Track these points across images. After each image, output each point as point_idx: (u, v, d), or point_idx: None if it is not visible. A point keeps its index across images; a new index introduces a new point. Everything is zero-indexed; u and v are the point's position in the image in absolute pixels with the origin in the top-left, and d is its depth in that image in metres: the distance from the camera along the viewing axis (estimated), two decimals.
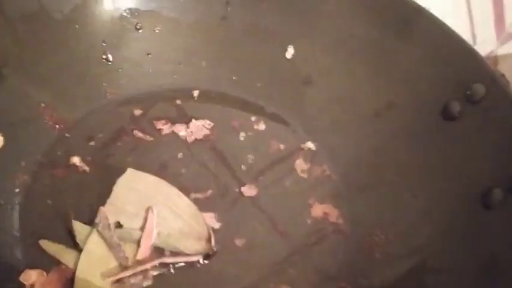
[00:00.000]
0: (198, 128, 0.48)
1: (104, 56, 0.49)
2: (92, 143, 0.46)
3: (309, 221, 0.44)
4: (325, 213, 0.44)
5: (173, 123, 0.48)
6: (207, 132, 0.48)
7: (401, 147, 0.43)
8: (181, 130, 0.48)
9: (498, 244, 0.35)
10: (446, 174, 0.40)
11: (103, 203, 0.40)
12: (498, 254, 0.35)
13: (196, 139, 0.47)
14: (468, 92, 0.40)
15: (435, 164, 0.41)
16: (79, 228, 0.39)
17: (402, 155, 0.43)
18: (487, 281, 0.34)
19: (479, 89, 0.40)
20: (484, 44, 0.54)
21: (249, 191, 0.44)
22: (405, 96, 0.43)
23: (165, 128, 0.48)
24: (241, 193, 0.44)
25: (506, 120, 0.38)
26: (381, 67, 0.44)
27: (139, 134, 0.47)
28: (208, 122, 0.48)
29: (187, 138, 0.47)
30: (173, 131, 0.48)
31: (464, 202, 0.38)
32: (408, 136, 0.43)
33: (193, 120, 0.48)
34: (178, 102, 0.50)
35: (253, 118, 0.50)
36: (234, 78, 0.52)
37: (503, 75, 0.41)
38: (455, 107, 0.41)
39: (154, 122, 0.48)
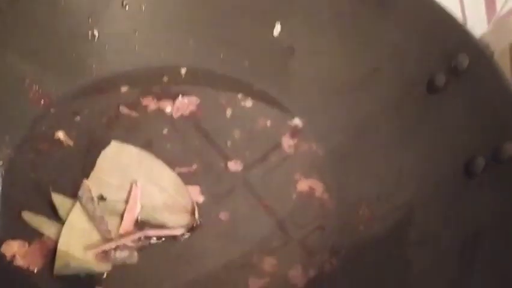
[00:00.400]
0: (184, 105, 0.48)
1: (90, 32, 0.48)
2: (77, 118, 0.46)
3: (294, 196, 0.43)
4: (311, 188, 0.44)
5: (159, 99, 0.48)
6: (193, 109, 0.48)
7: (386, 119, 0.42)
8: (167, 106, 0.47)
9: (482, 214, 0.35)
10: (430, 144, 0.39)
11: (87, 177, 0.40)
12: (482, 226, 0.35)
13: (182, 115, 0.47)
14: (452, 63, 0.40)
15: (420, 134, 0.40)
16: (60, 201, 0.39)
17: (387, 126, 0.42)
18: (471, 254, 0.34)
19: (464, 59, 0.39)
20: (475, 27, 0.53)
21: (234, 165, 0.44)
22: (390, 69, 0.43)
23: (151, 104, 0.47)
24: (226, 168, 0.44)
25: (490, 90, 0.37)
26: (365, 41, 0.44)
27: (125, 110, 0.47)
28: (195, 98, 0.48)
29: (173, 115, 0.47)
30: (159, 108, 0.47)
31: (447, 171, 0.38)
32: (393, 108, 0.42)
33: (180, 97, 0.48)
34: (165, 79, 0.50)
35: (239, 95, 0.49)
36: (221, 56, 0.51)
37: (487, 45, 0.40)
38: (440, 79, 0.41)
39: (141, 98, 0.48)
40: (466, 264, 0.33)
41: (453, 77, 0.40)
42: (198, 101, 0.48)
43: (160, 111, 0.47)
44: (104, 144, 0.42)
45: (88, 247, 0.37)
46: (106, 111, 0.46)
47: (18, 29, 0.45)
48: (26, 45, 0.45)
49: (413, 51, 0.42)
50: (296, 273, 0.39)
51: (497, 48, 0.46)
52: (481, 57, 0.39)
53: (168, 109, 0.47)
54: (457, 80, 0.40)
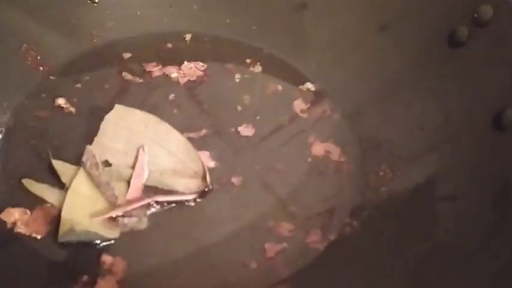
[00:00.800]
0: (190, 70, 0.45)
1: None
2: (78, 85, 0.43)
3: (309, 160, 0.41)
4: (326, 152, 0.42)
5: (164, 65, 0.45)
6: (200, 73, 0.45)
7: (407, 76, 0.40)
8: (172, 72, 0.45)
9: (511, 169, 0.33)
10: (455, 99, 0.37)
11: (90, 143, 0.38)
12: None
13: (189, 80, 0.45)
14: (475, 15, 0.38)
15: (444, 90, 0.38)
16: (61, 167, 0.37)
17: (408, 83, 0.40)
18: (502, 206, 0.32)
19: (487, 10, 0.37)
20: None
21: (245, 130, 0.42)
22: (410, 24, 0.41)
23: (156, 70, 0.45)
24: (237, 132, 0.42)
25: None
26: None
27: (128, 76, 0.45)
28: (201, 63, 0.46)
29: (179, 80, 0.45)
30: (164, 73, 0.45)
31: (475, 124, 0.35)
32: (414, 64, 0.40)
33: (185, 62, 0.46)
34: (169, 45, 0.48)
35: (248, 60, 0.47)
36: (227, 21, 0.49)
37: None
38: (463, 32, 0.38)
39: (144, 64, 0.45)
40: (497, 217, 0.31)
41: (476, 29, 0.38)
42: (205, 66, 0.46)
43: (166, 77, 0.45)
44: (107, 110, 0.40)
45: (94, 214, 0.35)
46: (108, 78, 0.44)
47: None
48: (26, 3, 0.43)
49: (433, 4, 0.40)
50: (315, 238, 0.36)
51: None
52: (504, 8, 0.36)
53: (174, 74, 0.45)
54: (480, 33, 0.37)
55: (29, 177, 0.37)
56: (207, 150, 0.40)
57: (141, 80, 0.44)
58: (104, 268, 0.33)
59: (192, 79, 0.45)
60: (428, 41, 0.40)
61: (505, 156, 0.33)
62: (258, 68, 0.47)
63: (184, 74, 0.45)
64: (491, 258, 0.29)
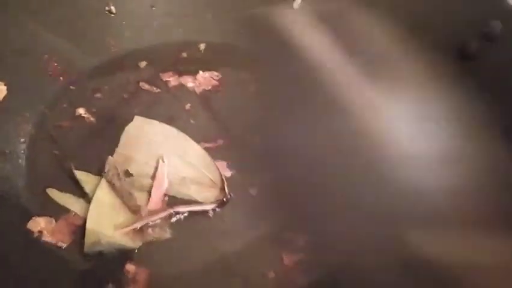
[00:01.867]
0: (206, 79, 0.46)
1: (107, 8, 0.47)
2: (98, 95, 0.44)
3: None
4: None
5: (180, 74, 0.46)
6: (216, 83, 0.46)
7: (419, 88, 0.41)
8: (188, 81, 0.46)
9: None
10: (466, 111, 0.38)
11: (111, 153, 0.39)
12: None
13: (204, 90, 0.46)
14: (485, 30, 0.39)
15: (455, 101, 0.39)
16: (84, 177, 0.38)
17: (420, 95, 0.41)
18: None
19: (496, 25, 0.38)
20: None
21: (262, 139, 0.43)
22: (423, 37, 0.41)
23: (172, 79, 0.46)
24: (253, 142, 0.43)
25: None
26: (397, 9, 0.43)
27: (146, 86, 0.45)
28: (215, 73, 0.47)
29: (196, 89, 0.46)
30: (180, 83, 0.46)
31: (484, 137, 0.36)
32: (426, 75, 0.41)
33: (201, 72, 0.47)
34: (184, 55, 0.49)
35: (261, 68, 0.48)
36: (240, 30, 0.50)
37: None
38: (473, 46, 0.39)
39: (160, 74, 0.46)
40: None
41: (486, 43, 0.39)
42: (220, 76, 0.47)
43: (182, 87, 0.46)
44: (127, 120, 0.41)
45: (118, 225, 0.36)
46: (126, 88, 0.45)
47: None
48: (47, 17, 0.44)
49: (445, 19, 0.41)
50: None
51: None
52: None
53: (190, 84, 0.46)
54: (490, 46, 0.38)
55: (53, 186, 0.38)
56: (224, 160, 0.41)
57: (158, 90, 0.45)
58: (128, 277, 0.34)
59: (207, 88, 0.46)
60: (439, 53, 0.41)
61: None
62: (270, 77, 0.47)
63: (199, 83, 0.46)
64: None
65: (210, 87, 0.46)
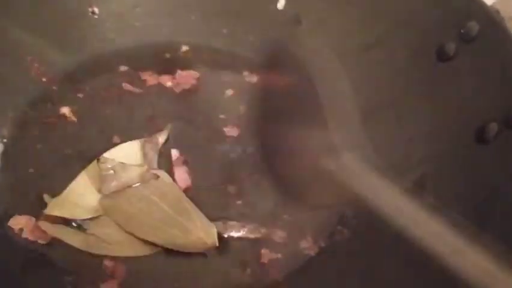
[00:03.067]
0: (184, 79, 0.47)
1: (90, 9, 0.48)
2: (80, 95, 0.45)
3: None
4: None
5: (159, 74, 0.47)
6: (194, 82, 0.47)
7: (395, 88, 0.42)
8: (167, 81, 0.46)
9: (494, 180, 0.35)
10: (442, 112, 0.39)
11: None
12: (494, 190, 0.34)
13: (183, 90, 0.46)
14: (462, 31, 0.39)
15: (431, 102, 0.40)
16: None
17: (396, 96, 0.42)
18: (484, 217, 0.34)
19: (473, 26, 0.39)
20: None
21: (240, 139, 0.44)
22: (398, 37, 0.42)
23: (151, 79, 0.47)
24: (233, 142, 0.43)
25: (500, 57, 0.37)
26: (373, 8, 0.43)
27: (128, 86, 0.46)
28: (193, 72, 0.47)
29: (174, 89, 0.46)
30: (159, 82, 0.46)
31: (460, 138, 0.37)
32: (402, 76, 0.42)
33: (179, 71, 0.47)
34: (167, 56, 0.49)
35: (244, 71, 0.49)
36: (224, 31, 0.50)
37: (497, 11, 0.40)
38: (450, 47, 0.40)
39: (140, 73, 0.47)
40: (479, 226, 0.33)
41: (463, 44, 0.39)
42: (198, 75, 0.47)
43: (161, 86, 0.47)
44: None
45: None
46: (108, 88, 0.46)
47: (22, 3, 0.44)
48: (28, 19, 0.44)
49: (421, 20, 0.41)
50: (307, 245, 0.38)
51: (507, 15, 0.45)
52: (490, 24, 0.38)
53: (169, 83, 0.46)
54: (467, 48, 0.39)
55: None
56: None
57: (140, 91, 0.46)
58: (106, 272, 0.35)
59: (186, 88, 0.46)
60: (416, 54, 0.42)
61: (487, 168, 0.35)
62: (253, 79, 0.48)
63: (178, 83, 0.46)
64: None
65: (189, 86, 0.46)
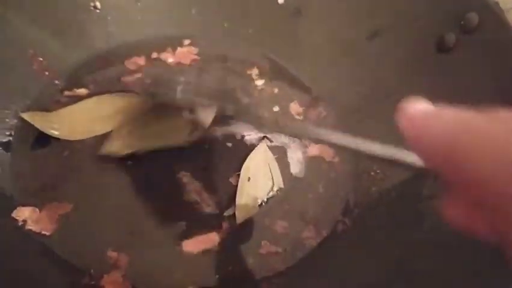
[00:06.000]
0: (184, 54, 0.47)
1: (92, 4, 0.48)
2: (82, 90, 0.45)
3: (304, 160, 0.43)
4: (321, 152, 0.44)
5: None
6: (195, 57, 0.48)
7: (396, 80, 0.42)
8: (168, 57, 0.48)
9: None
10: (443, 103, 0.39)
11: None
12: None
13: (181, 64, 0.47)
14: (462, 22, 0.39)
15: (432, 94, 0.40)
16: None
17: (397, 87, 0.42)
18: None
19: (473, 17, 0.39)
20: None
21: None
22: (399, 29, 0.42)
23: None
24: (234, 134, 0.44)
25: (501, 46, 0.37)
26: (372, 1, 0.43)
27: (129, 80, 0.46)
28: (193, 48, 0.48)
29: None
30: (159, 57, 0.48)
31: None
32: (404, 68, 0.42)
33: (179, 48, 0.48)
34: (169, 50, 0.49)
35: (245, 63, 0.49)
36: (225, 25, 0.51)
37: (497, 3, 0.40)
38: (450, 39, 0.40)
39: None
40: None
41: (463, 36, 0.39)
42: (197, 50, 0.48)
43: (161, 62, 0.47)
44: None
45: None
46: (110, 83, 0.46)
47: None
48: (31, 13, 0.44)
49: (421, 12, 0.41)
50: (309, 234, 0.39)
51: (506, 6, 0.45)
52: (490, 15, 0.38)
53: (170, 60, 0.48)
54: (467, 39, 0.39)
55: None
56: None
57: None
58: (109, 263, 0.35)
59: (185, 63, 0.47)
60: (416, 45, 0.42)
61: None
62: (254, 71, 0.48)
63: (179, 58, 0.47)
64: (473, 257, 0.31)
65: (189, 61, 0.47)
